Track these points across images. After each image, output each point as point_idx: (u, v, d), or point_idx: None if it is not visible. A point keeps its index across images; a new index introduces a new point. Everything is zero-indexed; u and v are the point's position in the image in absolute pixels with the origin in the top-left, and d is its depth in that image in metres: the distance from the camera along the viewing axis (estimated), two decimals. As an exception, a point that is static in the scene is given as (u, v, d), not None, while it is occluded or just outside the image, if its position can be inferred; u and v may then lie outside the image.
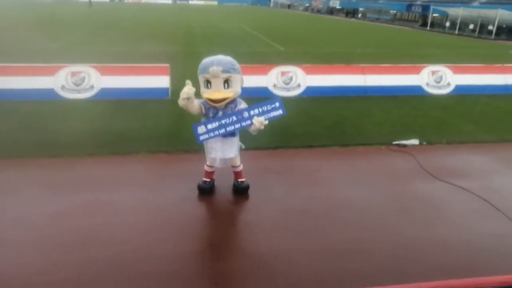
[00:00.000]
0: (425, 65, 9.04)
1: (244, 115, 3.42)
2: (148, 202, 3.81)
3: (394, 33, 28.84)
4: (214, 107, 3.48)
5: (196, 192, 3.95)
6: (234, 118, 3.43)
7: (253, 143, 4.45)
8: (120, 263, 2.92)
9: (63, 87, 7.22)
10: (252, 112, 3.41)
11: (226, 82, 3.36)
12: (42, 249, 3.05)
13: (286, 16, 49.05)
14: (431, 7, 35.25)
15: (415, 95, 8.45)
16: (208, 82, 3.37)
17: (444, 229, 3.51)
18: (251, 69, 7.71)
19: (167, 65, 7.79)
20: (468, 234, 3.44)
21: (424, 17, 37.60)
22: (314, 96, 8.01)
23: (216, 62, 3.30)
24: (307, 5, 72.11)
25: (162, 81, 7.58)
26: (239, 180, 4.00)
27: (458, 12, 30.99)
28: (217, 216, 3.71)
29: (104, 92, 7.32)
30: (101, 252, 3.03)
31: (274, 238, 3.31)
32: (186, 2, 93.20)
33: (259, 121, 3.35)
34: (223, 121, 3.43)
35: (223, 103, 3.45)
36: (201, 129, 3.44)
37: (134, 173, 4.49)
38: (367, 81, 8.48)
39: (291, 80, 8.12)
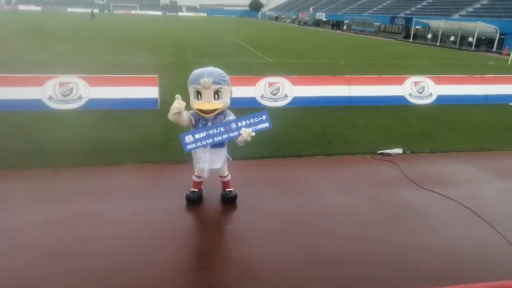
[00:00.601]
0: (408, 76, 9.28)
1: (231, 126, 3.47)
2: (137, 212, 3.82)
3: (378, 44, 29.45)
4: (204, 118, 3.53)
5: (184, 202, 3.97)
6: (222, 128, 3.47)
7: (241, 153, 4.50)
8: (108, 273, 2.92)
9: (50, 98, 7.18)
10: (239, 124, 3.47)
11: (216, 93, 3.42)
12: (29, 260, 3.03)
13: (274, 28, 49.62)
14: (414, 19, 36.21)
15: (398, 105, 8.65)
16: (198, 93, 3.42)
17: (428, 236, 3.58)
18: (239, 79, 7.80)
19: (156, 75, 7.83)
20: (451, 241, 3.51)
21: (407, 29, 38.55)
22: (301, 106, 8.15)
23: (207, 74, 3.34)
24: (294, 17, 73.28)
25: (151, 92, 7.61)
26: (227, 190, 4.05)
27: (439, 24, 31.95)
28: (205, 226, 3.73)
29: (92, 102, 7.31)
30: (89, 262, 3.03)
31: (261, 247, 3.34)
32: (175, 13, 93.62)
33: (246, 132, 3.41)
34: (210, 131, 3.47)
35: (213, 114, 3.50)
36: (188, 138, 3.47)
37: (123, 183, 4.50)
38: (352, 91, 8.67)
39: (278, 90, 8.25)
